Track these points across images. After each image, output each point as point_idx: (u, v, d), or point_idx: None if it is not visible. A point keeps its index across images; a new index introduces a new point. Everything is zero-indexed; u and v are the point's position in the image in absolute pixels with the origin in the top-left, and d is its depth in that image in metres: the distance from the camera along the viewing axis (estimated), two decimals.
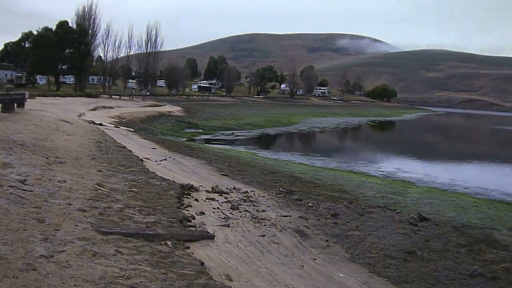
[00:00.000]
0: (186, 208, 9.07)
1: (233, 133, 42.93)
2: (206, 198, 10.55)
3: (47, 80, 66.99)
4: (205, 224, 8.15)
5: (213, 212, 9.31)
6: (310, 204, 11.71)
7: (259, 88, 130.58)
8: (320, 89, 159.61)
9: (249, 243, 7.61)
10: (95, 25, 65.71)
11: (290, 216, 10.16)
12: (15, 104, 22.01)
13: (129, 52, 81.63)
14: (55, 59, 57.23)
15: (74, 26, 61.01)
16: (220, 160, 19.68)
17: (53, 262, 4.67)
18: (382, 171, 24.04)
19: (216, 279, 5.42)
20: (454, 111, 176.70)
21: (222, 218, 8.95)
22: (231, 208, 9.92)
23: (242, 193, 12.08)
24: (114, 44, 75.04)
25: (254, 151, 29.17)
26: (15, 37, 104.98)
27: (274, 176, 16.83)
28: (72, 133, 17.49)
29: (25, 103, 23.92)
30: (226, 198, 11.00)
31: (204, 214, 8.96)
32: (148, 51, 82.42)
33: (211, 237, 7.32)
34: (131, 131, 26.86)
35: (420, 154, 37.10)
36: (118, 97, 63.91)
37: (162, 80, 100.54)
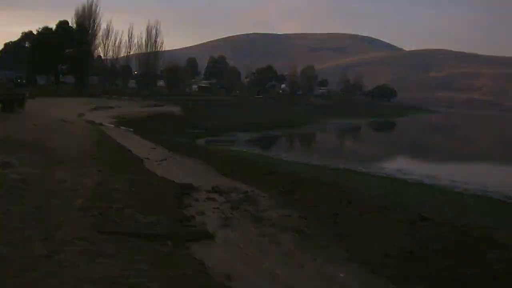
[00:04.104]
0: (186, 208, 9.08)
1: (233, 133, 42.88)
2: (206, 198, 10.55)
3: (47, 80, 66.98)
4: (205, 224, 8.14)
5: (213, 212, 9.31)
6: (310, 204, 11.70)
7: (259, 88, 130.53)
8: (320, 89, 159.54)
9: (249, 243, 7.60)
10: (95, 25, 65.79)
11: (290, 215, 10.15)
12: (15, 104, 22.04)
13: (129, 52, 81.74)
14: (55, 59, 57.20)
15: (74, 26, 61.03)
16: (220, 160, 19.68)
17: (53, 262, 4.67)
18: (383, 171, 24.01)
19: (216, 279, 5.42)
20: (455, 112, 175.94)
21: (222, 218, 8.95)
22: (231, 208, 9.92)
23: (242, 192, 12.06)
24: (114, 44, 75.15)
25: (254, 151, 29.15)
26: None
27: (274, 175, 16.81)
28: (72, 133, 17.50)
29: (25, 103, 23.94)
30: (226, 198, 11.00)
31: (204, 214, 8.97)
32: (148, 51, 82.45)
33: (211, 236, 7.32)
34: (131, 131, 26.86)
35: (423, 155, 37.09)
36: (118, 97, 63.92)
37: (162, 80, 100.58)
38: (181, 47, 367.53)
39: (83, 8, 64.57)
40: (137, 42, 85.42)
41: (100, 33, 68.84)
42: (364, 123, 76.54)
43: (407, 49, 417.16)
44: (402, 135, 66.53)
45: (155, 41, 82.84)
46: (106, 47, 72.58)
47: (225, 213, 9.37)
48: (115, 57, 75.66)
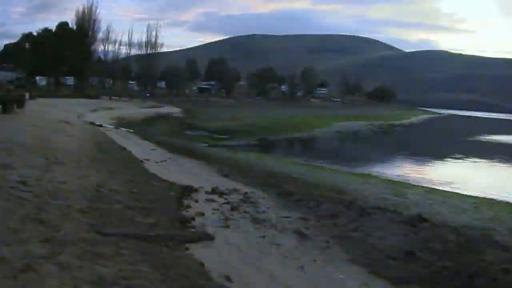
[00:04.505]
0: (186, 209, 9.09)
1: (232, 134, 42.87)
2: (206, 199, 10.56)
3: (47, 81, 67.02)
4: (204, 225, 8.16)
5: (213, 213, 9.32)
6: (310, 205, 11.70)
7: (259, 89, 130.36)
8: (320, 90, 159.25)
9: (248, 244, 7.61)
10: (95, 26, 65.83)
11: (290, 217, 10.16)
12: (15, 105, 22.05)
13: (129, 53, 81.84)
14: (55, 60, 57.29)
15: (74, 27, 61.12)
16: (220, 161, 19.69)
17: (53, 263, 4.68)
18: (383, 172, 24.05)
19: (216, 280, 5.43)
20: (455, 113, 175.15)
21: (222, 219, 8.96)
22: (231, 209, 9.92)
23: (242, 194, 12.07)
24: (114, 45, 75.27)
25: (253, 153, 29.15)
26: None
27: (274, 177, 16.82)
28: (72, 134, 17.52)
29: (25, 104, 23.95)
30: (226, 199, 11.01)
31: (203, 215, 8.98)
32: (148, 52, 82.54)
33: (211, 238, 7.33)
34: (131, 132, 26.89)
35: (423, 156, 37.11)
36: (118, 98, 63.96)
37: (162, 81, 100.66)
38: (180, 48, 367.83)
39: (83, 9, 64.69)
40: (137, 43, 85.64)
41: (100, 35, 68.97)
42: (365, 126, 76.02)
43: (407, 50, 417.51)
44: (403, 137, 66.51)
45: (155, 42, 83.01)
46: (106, 48, 72.77)
47: (225, 214, 9.38)
48: (115, 58, 75.76)
